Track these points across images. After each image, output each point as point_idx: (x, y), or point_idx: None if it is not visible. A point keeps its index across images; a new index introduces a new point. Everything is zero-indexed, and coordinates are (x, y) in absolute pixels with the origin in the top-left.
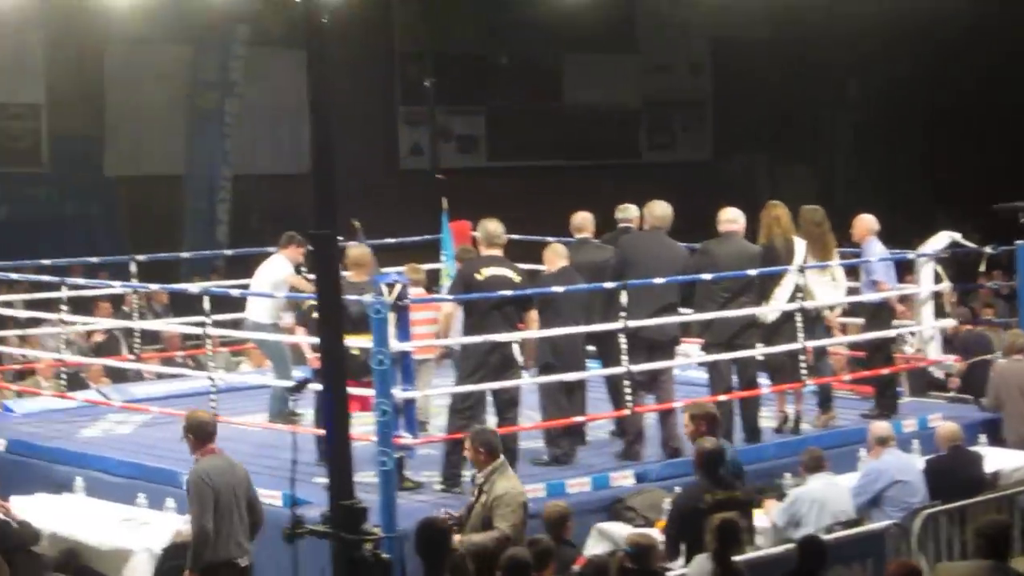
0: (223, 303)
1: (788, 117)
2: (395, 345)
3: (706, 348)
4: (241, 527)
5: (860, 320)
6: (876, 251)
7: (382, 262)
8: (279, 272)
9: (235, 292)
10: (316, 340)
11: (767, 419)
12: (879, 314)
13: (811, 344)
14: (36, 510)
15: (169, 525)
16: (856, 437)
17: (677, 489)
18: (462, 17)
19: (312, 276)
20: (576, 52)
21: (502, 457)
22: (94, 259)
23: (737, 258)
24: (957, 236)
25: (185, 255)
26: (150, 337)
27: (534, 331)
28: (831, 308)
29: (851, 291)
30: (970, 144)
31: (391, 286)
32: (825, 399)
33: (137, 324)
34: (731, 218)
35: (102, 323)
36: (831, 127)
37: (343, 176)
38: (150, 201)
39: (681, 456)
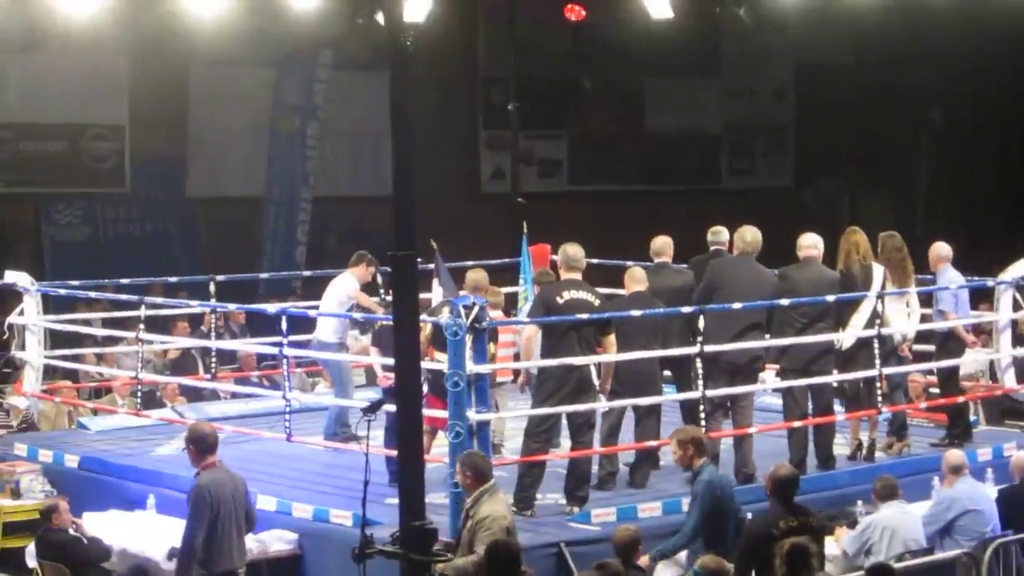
0: (300, 324)
1: (870, 143)
2: (472, 367)
3: (782, 374)
4: (239, 538)
5: (931, 348)
6: (949, 279)
7: (463, 284)
8: (345, 290)
9: (312, 313)
10: (386, 360)
11: (841, 446)
12: (946, 344)
13: (887, 371)
14: (108, 527)
15: None
16: (930, 465)
17: (748, 516)
18: (546, 41)
19: (389, 298)
20: (658, 77)
21: (493, 481)
22: (173, 279)
23: (816, 284)
24: None
25: (263, 276)
26: (226, 357)
27: (611, 355)
28: (904, 337)
29: (924, 319)
30: None
31: (468, 308)
32: (900, 427)
33: (214, 343)
34: (811, 243)
35: (179, 342)
36: (913, 153)
37: (424, 199)
38: (230, 222)
39: (753, 482)
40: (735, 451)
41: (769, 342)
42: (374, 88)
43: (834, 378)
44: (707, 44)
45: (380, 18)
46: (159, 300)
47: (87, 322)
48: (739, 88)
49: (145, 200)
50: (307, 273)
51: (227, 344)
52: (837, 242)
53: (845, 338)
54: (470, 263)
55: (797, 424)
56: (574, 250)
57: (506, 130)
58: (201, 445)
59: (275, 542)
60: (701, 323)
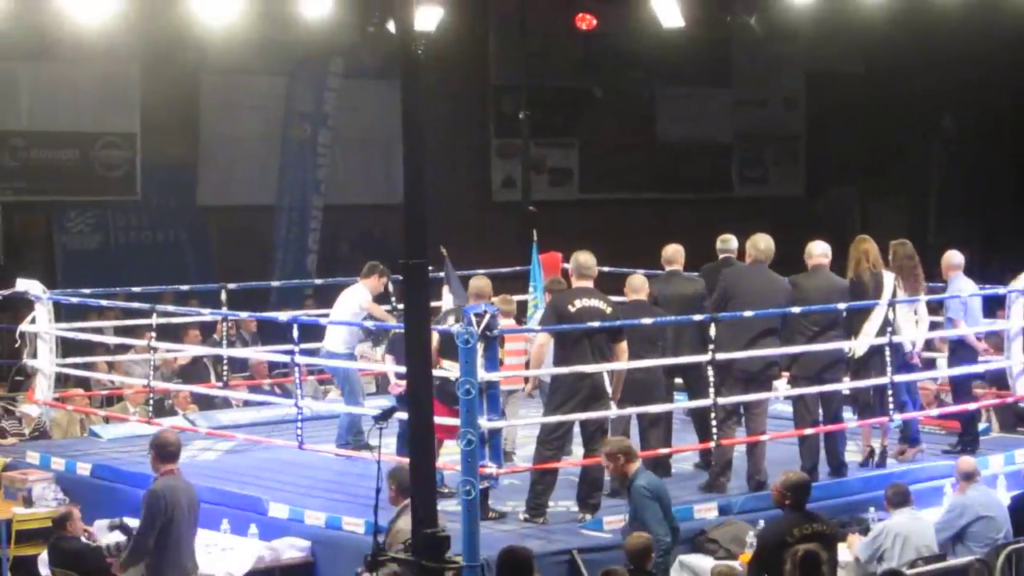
0: (311, 332)
1: (881, 151)
2: (483, 375)
3: (793, 381)
4: (191, 552)
5: (943, 355)
6: (960, 287)
7: None
8: (357, 301)
9: (324, 321)
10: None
11: (852, 453)
12: (957, 351)
13: (899, 379)
14: (120, 535)
15: (251, 551)
16: (941, 472)
17: (761, 522)
18: (557, 50)
19: (400, 307)
20: (670, 85)
21: None
22: (184, 287)
23: (827, 292)
24: None
25: (275, 284)
26: (238, 365)
27: (623, 363)
28: (913, 344)
29: (934, 327)
30: None
31: (480, 316)
32: (912, 434)
33: (225, 352)
34: (822, 252)
35: (191, 350)
36: (924, 161)
37: (435, 207)
38: (241, 230)
39: (766, 489)
40: (747, 458)
41: (780, 350)
42: (385, 96)
43: (846, 385)
44: (718, 53)
45: (391, 27)
46: (171, 308)
47: (99, 330)
48: (750, 97)
49: (156, 208)
50: (319, 281)
51: (239, 352)
52: (848, 250)
53: (858, 346)
54: (481, 271)
55: (808, 432)
56: (585, 258)
57: (517, 138)
58: (162, 452)
59: (287, 549)
60: (713, 331)
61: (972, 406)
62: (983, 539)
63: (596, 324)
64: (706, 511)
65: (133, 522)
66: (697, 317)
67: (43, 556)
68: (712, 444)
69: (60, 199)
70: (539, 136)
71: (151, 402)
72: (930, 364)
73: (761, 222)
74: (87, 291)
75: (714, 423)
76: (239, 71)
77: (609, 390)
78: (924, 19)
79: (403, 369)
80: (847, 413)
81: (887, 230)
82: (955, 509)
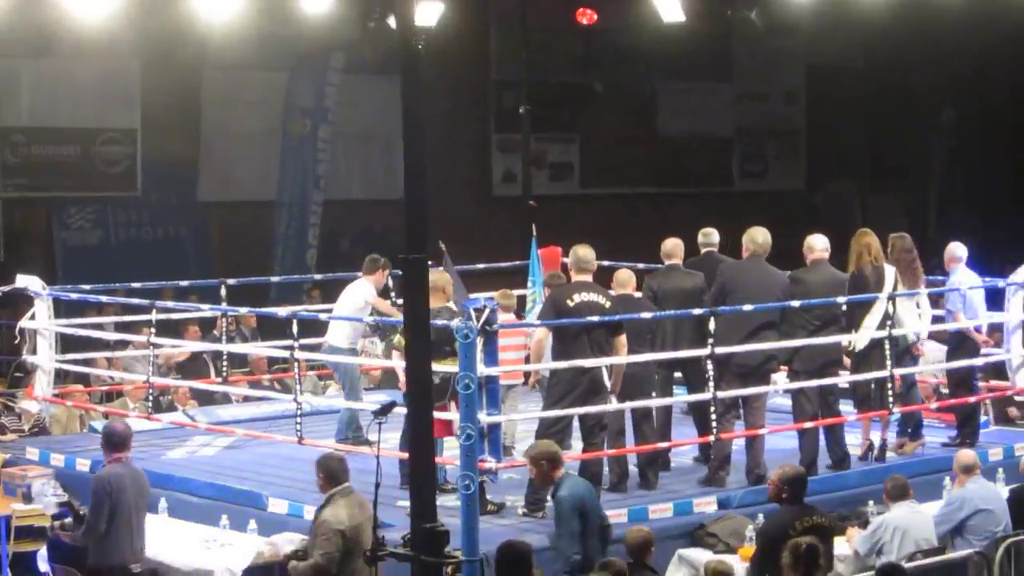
0: (311, 327)
1: (881, 145)
2: (482, 370)
3: (794, 375)
4: (138, 536)
5: (943, 348)
6: (961, 280)
7: (473, 287)
8: (361, 296)
9: (323, 316)
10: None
11: (852, 446)
12: (958, 344)
13: (899, 372)
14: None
15: (250, 547)
16: (941, 465)
17: (760, 516)
18: (557, 45)
19: (400, 301)
20: (670, 80)
21: (345, 484)
22: (184, 283)
23: (829, 286)
24: None
25: (275, 279)
26: (238, 360)
27: (622, 357)
28: (917, 336)
29: (936, 319)
30: None
31: (479, 311)
32: (914, 427)
33: (225, 347)
34: (824, 246)
35: (191, 346)
36: (925, 154)
37: (435, 202)
38: (241, 226)
39: (764, 483)
40: (746, 452)
41: (781, 343)
42: (385, 92)
43: (847, 379)
44: (719, 47)
45: (392, 22)
46: (170, 304)
47: (99, 326)
48: (751, 91)
49: (157, 204)
50: (318, 277)
51: (238, 348)
52: (848, 244)
53: (858, 339)
54: (481, 266)
55: (808, 425)
56: (584, 252)
57: (518, 133)
58: (108, 441)
59: (287, 544)
60: (712, 325)
61: (971, 399)
62: (982, 532)
63: (595, 319)
64: (705, 505)
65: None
66: (696, 311)
67: (42, 552)
68: (711, 438)
69: (60, 195)
70: (540, 131)
71: (151, 398)
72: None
73: (761, 216)
74: (87, 287)
75: (713, 417)
76: (239, 67)
77: (608, 384)
78: (924, 13)
79: None
80: (847, 406)
81: (887, 224)
82: (954, 502)
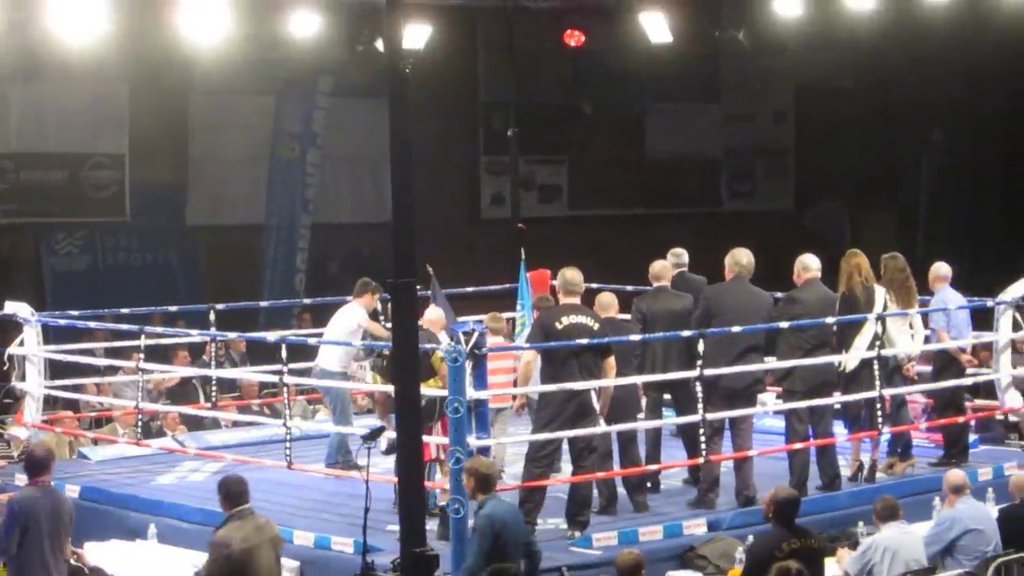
0: (300, 352)
1: (870, 165)
2: (471, 393)
3: (787, 396)
4: (55, 560)
5: (929, 369)
6: (947, 299)
7: (462, 311)
8: (354, 319)
9: (312, 341)
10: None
11: (842, 467)
12: (942, 364)
13: (888, 392)
14: (109, 557)
15: None
16: (930, 485)
17: (750, 538)
18: (546, 67)
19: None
20: (658, 101)
21: (245, 506)
22: (173, 308)
23: (825, 306)
24: None
25: (263, 304)
26: (227, 385)
27: (610, 379)
28: (908, 357)
29: (927, 340)
30: None
31: (468, 334)
32: (904, 447)
33: (214, 372)
34: (818, 266)
35: (180, 371)
36: (914, 174)
37: (424, 224)
38: (230, 250)
39: (755, 505)
40: (735, 474)
41: (769, 365)
42: (374, 115)
43: (838, 399)
44: (707, 68)
45: (379, 45)
46: (159, 329)
47: (88, 352)
48: (739, 112)
49: (145, 229)
50: (307, 301)
51: (227, 373)
52: (838, 264)
53: (849, 360)
54: (470, 289)
55: (798, 446)
56: (572, 274)
57: (506, 155)
58: (29, 464)
59: None
60: (701, 347)
61: (960, 420)
62: (972, 552)
63: (584, 341)
64: (695, 527)
65: None
66: (685, 333)
67: None
68: (701, 460)
69: (49, 220)
70: (528, 153)
71: (140, 423)
72: (922, 378)
73: (750, 236)
74: (75, 313)
75: (702, 439)
76: (228, 91)
77: (596, 407)
78: (913, 32)
79: None
80: (838, 427)
81: (876, 243)
82: (944, 522)
